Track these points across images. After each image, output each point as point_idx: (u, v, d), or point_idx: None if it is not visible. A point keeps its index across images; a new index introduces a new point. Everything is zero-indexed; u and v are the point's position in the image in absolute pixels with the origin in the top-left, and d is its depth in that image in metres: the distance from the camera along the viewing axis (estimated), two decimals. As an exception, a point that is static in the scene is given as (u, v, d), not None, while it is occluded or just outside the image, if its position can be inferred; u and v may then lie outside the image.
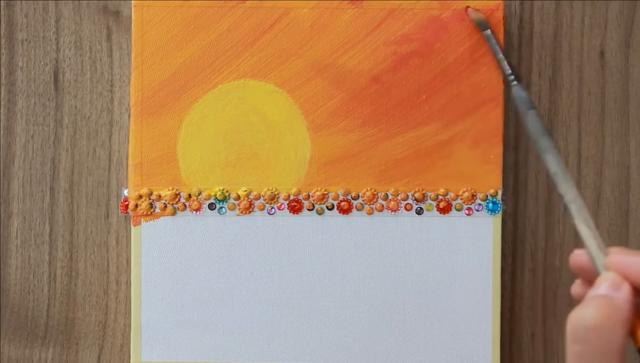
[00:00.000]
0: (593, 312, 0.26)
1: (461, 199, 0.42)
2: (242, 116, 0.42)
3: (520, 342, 0.45)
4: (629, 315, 0.26)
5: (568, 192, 0.30)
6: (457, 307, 0.42)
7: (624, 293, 0.26)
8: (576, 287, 0.31)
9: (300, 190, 0.42)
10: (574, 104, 0.45)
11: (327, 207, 0.42)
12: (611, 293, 0.26)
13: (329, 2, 0.42)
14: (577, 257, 0.29)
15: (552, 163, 0.31)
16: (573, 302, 0.45)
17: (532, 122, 0.33)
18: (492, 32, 0.40)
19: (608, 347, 0.25)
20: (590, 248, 0.28)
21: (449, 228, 0.42)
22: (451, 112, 0.42)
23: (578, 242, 0.45)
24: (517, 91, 0.36)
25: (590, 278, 0.28)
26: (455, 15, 0.42)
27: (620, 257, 0.27)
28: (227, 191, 0.42)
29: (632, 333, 0.26)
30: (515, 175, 0.45)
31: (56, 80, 0.45)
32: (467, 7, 0.42)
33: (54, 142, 0.45)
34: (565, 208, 0.30)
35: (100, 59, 0.45)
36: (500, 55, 0.39)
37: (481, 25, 0.41)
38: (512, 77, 0.37)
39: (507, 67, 0.38)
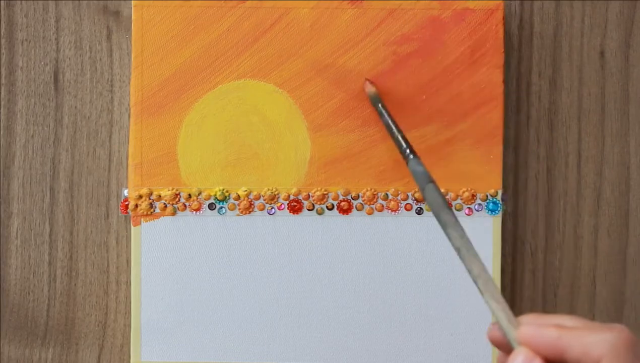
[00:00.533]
0: None
1: (461, 199, 0.42)
2: (242, 116, 0.42)
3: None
4: None
5: (474, 267, 0.29)
6: (457, 307, 0.42)
7: None
8: (500, 359, 0.30)
9: (300, 190, 0.42)
10: (574, 104, 0.45)
11: (327, 207, 0.42)
12: None
13: (329, 2, 0.42)
14: (492, 330, 0.29)
15: (455, 238, 0.30)
16: (573, 302, 0.46)
17: (431, 196, 0.32)
18: (384, 106, 0.39)
19: None
20: (501, 323, 0.28)
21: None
22: (451, 112, 0.42)
23: (578, 242, 0.45)
24: (414, 165, 0.35)
25: (508, 351, 0.28)
26: (455, 15, 0.42)
27: (531, 330, 0.27)
28: (227, 191, 0.42)
29: None
30: (515, 175, 0.45)
31: (56, 80, 0.45)
32: (366, 79, 0.41)
33: (54, 142, 0.45)
34: (474, 283, 0.29)
35: (100, 59, 0.45)
36: (394, 130, 0.38)
37: (374, 100, 0.40)
38: (408, 151, 0.36)
39: (403, 141, 0.37)
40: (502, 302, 0.28)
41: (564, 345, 0.26)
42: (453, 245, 0.30)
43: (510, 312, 0.28)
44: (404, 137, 0.37)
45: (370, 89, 0.41)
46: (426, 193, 0.33)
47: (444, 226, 0.31)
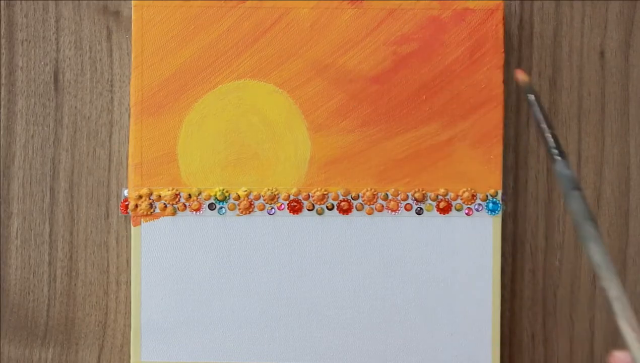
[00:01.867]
0: None
1: (461, 199, 0.42)
2: (242, 116, 0.42)
3: (520, 342, 0.45)
4: None
5: (612, 287, 0.27)
6: (457, 307, 0.42)
7: None
8: None
9: (300, 190, 0.42)
10: (574, 104, 0.45)
11: (327, 207, 0.42)
12: None
13: (329, 2, 0.42)
14: (617, 358, 0.28)
15: (597, 253, 0.28)
16: (573, 302, 0.46)
17: (575, 204, 0.30)
18: (537, 98, 0.35)
19: None
20: (635, 353, 0.26)
21: (449, 228, 0.42)
22: (451, 112, 0.42)
23: (578, 242, 0.45)
24: (561, 168, 0.31)
25: None
26: (455, 15, 0.42)
27: None
28: (227, 191, 0.42)
29: None
30: (515, 175, 0.45)
31: (56, 80, 0.45)
32: (518, 69, 0.38)
33: (54, 142, 0.45)
34: (609, 304, 0.27)
35: (100, 59, 0.45)
36: (545, 126, 0.33)
37: (526, 90, 0.36)
38: (556, 151, 0.32)
39: (552, 140, 0.33)
40: (637, 329, 0.27)
41: None
42: (592, 260, 0.28)
43: None
44: (554, 135, 0.33)
45: (522, 77, 0.36)
46: (571, 200, 0.30)
47: (584, 239, 0.29)
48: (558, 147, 0.32)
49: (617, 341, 0.45)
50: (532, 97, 0.35)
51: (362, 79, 0.42)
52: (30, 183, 0.45)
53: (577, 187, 0.30)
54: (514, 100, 0.45)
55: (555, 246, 0.45)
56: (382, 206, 0.42)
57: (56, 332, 0.45)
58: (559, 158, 0.32)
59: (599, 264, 0.28)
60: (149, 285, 0.42)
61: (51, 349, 0.45)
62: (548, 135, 0.33)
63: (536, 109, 0.34)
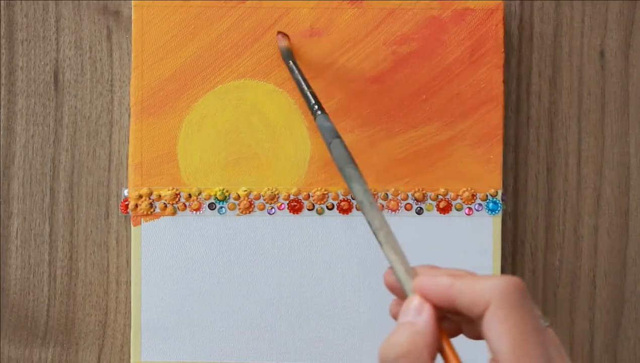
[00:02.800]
0: (399, 339, 0.26)
1: (461, 199, 0.42)
2: (242, 116, 0.42)
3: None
4: (434, 337, 0.26)
5: (374, 220, 0.30)
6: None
7: (426, 315, 0.26)
8: (392, 306, 0.31)
9: (300, 190, 0.42)
10: (574, 104, 0.45)
11: (327, 207, 0.42)
12: (414, 318, 0.27)
13: (329, 2, 0.42)
14: (389, 276, 0.30)
15: (358, 191, 0.31)
16: (573, 302, 0.46)
17: (337, 151, 0.33)
18: (294, 63, 0.39)
19: None
20: (398, 274, 0.28)
21: (449, 228, 0.42)
22: (451, 112, 0.42)
23: (578, 242, 0.45)
24: (322, 121, 0.35)
25: (403, 297, 0.28)
26: (455, 15, 0.42)
27: (424, 279, 0.27)
28: (227, 191, 0.42)
29: (442, 355, 0.26)
30: (515, 175, 0.45)
31: (56, 80, 0.45)
32: (278, 32, 0.41)
33: (54, 142, 0.45)
34: (374, 236, 0.30)
35: (100, 59, 0.45)
36: (303, 86, 0.38)
37: (285, 56, 0.40)
38: (317, 107, 0.36)
39: (311, 98, 0.37)
40: (400, 253, 0.29)
41: (455, 292, 0.26)
42: (356, 198, 0.31)
43: (408, 264, 0.29)
44: (313, 94, 0.37)
45: (282, 43, 0.41)
46: (332, 148, 0.33)
47: (348, 180, 0.31)
48: (317, 103, 0.37)
49: (617, 341, 0.45)
50: (291, 63, 0.39)
51: (362, 79, 0.42)
52: (30, 183, 0.45)
53: (337, 136, 0.34)
54: (514, 100, 0.45)
55: (555, 246, 0.45)
56: (382, 206, 0.42)
57: (56, 332, 0.45)
58: (319, 113, 0.36)
59: (362, 201, 0.30)
60: (149, 285, 0.42)
61: (51, 349, 0.45)
62: (308, 94, 0.37)
63: (295, 73, 0.39)
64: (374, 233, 0.30)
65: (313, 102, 0.37)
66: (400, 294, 0.29)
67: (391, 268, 0.29)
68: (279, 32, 0.41)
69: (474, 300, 0.26)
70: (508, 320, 0.25)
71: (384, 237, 0.29)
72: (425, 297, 0.27)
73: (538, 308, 0.28)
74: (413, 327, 0.26)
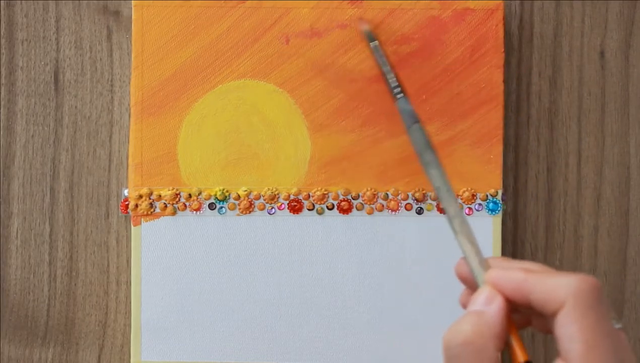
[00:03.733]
0: (465, 327, 0.26)
1: (461, 199, 0.42)
2: (242, 116, 0.42)
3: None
4: (501, 328, 0.26)
5: (450, 207, 0.30)
6: (457, 307, 0.42)
7: (496, 306, 0.26)
8: (463, 297, 0.31)
9: (300, 190, 0.42)
10: (574, 104, 0.45)
11: (327, 207, 0.42)
12: (483, 307, 0.26)
13: (329, 2, 0.42)
14: (461, 266, 0.29)
15: (436, 177, 0.31)
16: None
17: (416, 136, 0.33)
18: (380, 44, 0.39)
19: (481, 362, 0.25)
20: (472, 264, 0.28)
21: (449, 228, 0.42)
22: (451, 112, 0.42)
23: (578, 242, 0.45)
24: (403, 104, 0.35)
25: (474, 288, 0.28)
26: (455, 15, 0.42)
27: (499, 272, 0.27)
28: (227, 191, 0.42)
29: (508, 348, 0.26)
30: (515, 175, 0.45)
31: (56, 80, 0.45)
32: (360, 18, 0.41)
33: (54, 142, 0.45)
34: (449, 223, 0.30)
35: (100, 59, 0.45)
36: (387, 68, 0.38)
37: (369, 37, 0.40)
38: (398, 89, 0.36)
39: (394, 80, 0.37)
40: (475, 243, 0.29)
41: (530, 287, 0.26)
42: (433, 184, 0.31)
43: (482, 254, 0.28)
44: (395, 76, 0.37)
45: (364, 26, 0.41)
46: (412, 132, 0.33)
47: (426, 165, 0.31)
48: (400, 85, 0.36)
49: (617, 341, 0.45)
50: (375, 43, 0.39)
51: (362, 79, 0.42)
52: (30, 183, 0.45)
53: (417, 121, 0.33)
54: (514, 100, 0.45)
55: (555, 246, 0.45)
56: (382, 206, 0.42)
57: (56, 332, 0.45)
58: (401, 96, 0.36)
59: (439, 187, 0.30)
60: (149, 285, 0.42)
61: (51, 349, 0.45)
62: (391, 76, 0.37)
63: (379, 55, 0.38)
64: (449, 220, 0.30)
65: (395, 84, 0.37)
66: (472, 285, 0.29)
67: (464, 258, 0.29)
68: (360, 18, 0.41)
69: (548, 298, 0.25)
70: (582, 321, 0.24)
71: (459, 225, 0.29)
72: (499, 289, 0.27)
73: (612, 309, 0.27)
74: (481, 316, 0.26)
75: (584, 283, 0.25)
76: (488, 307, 0.26)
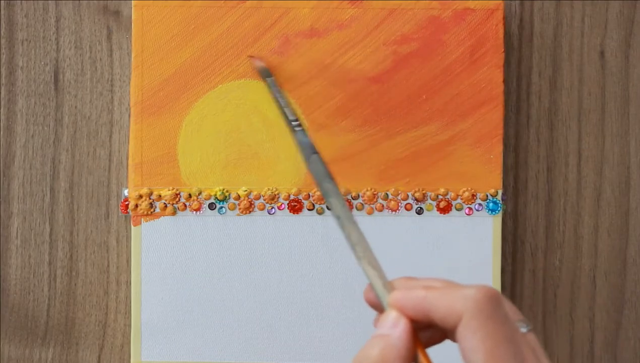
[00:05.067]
0: (371, 351, 0.26)
1: (461, 199, 0.42)
2: (242, 116, 0.42)
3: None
4: (407, 350, 0.26)
5: (352, 234, 0.30)
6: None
7: (400, 329, 0.26)
8: (375, 322, 0.31)
9: (300, 190, 0.42)
10: (574, 104, 0.45)
11: (327, 207, 0.42)
12: (389, 331, 0.27)
13: (329, 2, 0.42)
14: (368, 292, 0.30)
15: (336, 206, 0.31)
16: (573, 302, 0.46)
17: (314, 167, 0.33)
18: (274, 80, 0.40)
19: None
20: (376, 289, 0.29)
21: (449, 228, 0.42)
22: (451, 112, 0.42)
23: (578, 242, 0.45)
24: (301, 136, 0.36)
25: (383, 312, 0.29)
26: (455, 15, 0.42)
27: (400, 293, 0.27)
28: (227, 191, 0.42)
29: None
30: (515, 175, 0.45)
31: (56, 80, 0.45)
32: (250, 56, 0.42)
33: (54, 142, 0.45)
34: (352, 250, 0.30)
35: (100, 59, 0.45)
36: (284, 101, 0.38)
37: (264, 74, 0.40)
38: (296, 122, 0.37)
39: (291, 113, 0.37)
40: (378, 267, 0.29)
41: (429, 304, 0.26)
42: (334, 213, 0.31)
43: (385, 277, 0.29)
44: (291, 110, 0.38)
45: (258, 64, 0.41)
46: (310, 163, 0.34)
47: (326, 194, 0.32)
48: (296, 119, 0.37)
49: (617, 341, 0.45)
50: (270, 80, 0.40)
51: (362, 79, 0.42)
52: (30, 183, 0.45)
53: (315, 152, 0.34)
54: (514, 100, 0.45)
55: (555, 246, 0.45)
56: (382, 206, 0.42)
57: (56, 332, 0.45)
58: (299, 128, 0.36)
59: (340, 216, 0.31)
60: (149, 285, 0.42)
61: (51, 349, 0.45)
62: (287, 111, 0.37)
63: (275, 90, 0.39)
64: (352, 248, 0.30)
65: (292, 118, 0.37)
66: (380, 309, 0.29)
67: (370, 284, 0.29)
68: (250, 56, 0.42)
69: (447, 312, 0.26)
70: (481, 331, 0.25)
71: (362, 251, 0.30)
72: (402, 311, 0.27)
73: (519, 313, 0.28)
74: (386, 340, 0.26)
75: (479, 293, 0.25)
76: (393, 330, 0.27)
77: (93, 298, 0.45)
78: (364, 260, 0.30)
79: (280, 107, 0.38)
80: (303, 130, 0.36)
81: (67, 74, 0.45)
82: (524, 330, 0.27)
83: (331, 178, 0.32)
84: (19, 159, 0.45)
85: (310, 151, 0.34)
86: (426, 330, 0.28)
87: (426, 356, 0.27)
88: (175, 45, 0.42)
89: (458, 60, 0.42)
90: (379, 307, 0.29)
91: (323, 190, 0.32)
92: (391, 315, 0.27)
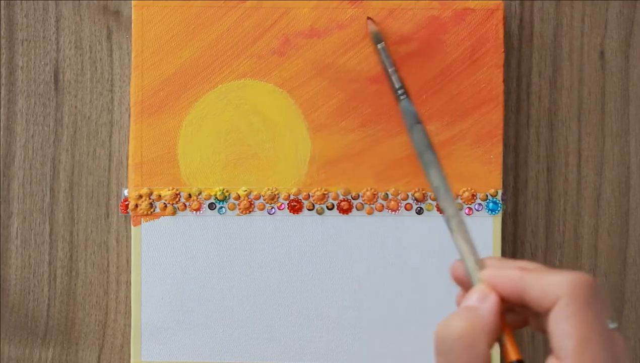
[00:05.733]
0: (458, 322, 0.26)
1: (461, 199, 0.42)
2: (242, 116, 0.42)
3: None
4: (494, 325, 0.26)
5: (449, 207, 0.30)
6: (457, 307, 0.42)
7: (490, 303, 0.26)
8: (458, 298, 0.30)
9: (300, 190, 0.42)
10: (574, 104, 0.45)
11: (327, 207, 0.42)
12: (478, 304, 0.26)
13: (329, 2, 0.42)
14: (457, 268, 0.29)
15: (436, 177, 0.31)
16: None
17: (417, 136, 0.33)
18: (386, 45, 0.40)
19: (471, 358, 0.25)
20: (467, 263, 0.28)
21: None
22: (451, 112, 0.42)
23: (578, 242, 0.45)
24: (406, 105, 0.35)
25: (469, 289, 0.28)
26: (455, 15, 0.42)
27: (492, 271, 0.27)
28: (227, 191, 0.42)
29: (501, 345, 0.26)
30: (515, 175, 0.45)
31: (56, 80, 0.45)
32: (368, 18, 0.41)
33: (54, 142, 0.45)
34: (446, 223, 0.30)
35: (100, 59, 0.45)
36: (393, 69, 0.38)
37: (376, 39, 0.40)
38: (401, 90, 0.37)
39: (398, 81, 0.37)
40: (471, 243, 0.29)
41: (524, 284, 0.26)
42: (432, 184, 0.31)
43: (477, 254, 0.28)
44: (398, 78, 0.38)
45: (372, 28, 0.41)
46: (413, 132, 0.33)
47: (426, 165, 0.32)
48: (403, 87, 0.37)
49: (617, 341, 0.45)
50: (382, 45, 0.39)
51: (362, 79, 0.42)
52: (30, 183, 0.45)
53: (419, 121, 0.34)
54: (514, 100, 0.45)
55: (555, 246, 0.45)
56: (382, 206, 0.42)
57: (56, 332, 0.45)
58: (404, 97, 0.36)
59: (438, 187, 0.31)
60: (149, 285, 0.42)
61: (51, 349, 0.45)
62: (396, 78, 0.37)
63: (385, 56, 0.39)
64: (447, 220, 0.30)
65: (398, 85, 0.37)
66: (467, 286, 0.29)
67: (459, 260, 0.29)
68: (369, 18, 0.41)
69: (542, 295, 0.25)
70: (575, 317, 0.24)
71: (457, 224, 0.29)
72: (494, 288, 0.27)
73: (610, 308, 0.27)
74: (474, 312, 0.26)
75: (579, 280, 0.25)
76: (482, 303, 0.26)
77: (93, 298, 0.45)
78: (457, 233, 0.29)
79: (388, 74, 0.38)
80: (408, 98, 0.36)
81: (67, 74, 0.45)
82: (612, 326, 0.26)
83: (432, 149, 0.32)
84: (19, 159, 0.45)
85: (413, 120, 0.34)
86: (509, 313, 0.28)
87: (511, 336, 0.26)
88: (175, 45, 0.42)
89: (458, 60, 0.42)
90: (465, 284, 0.29)
91: (424, 160, 0.32)
92: (481, 288, 0.27)
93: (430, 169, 0.31)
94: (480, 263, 0.28)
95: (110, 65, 0.45)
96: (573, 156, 0.45)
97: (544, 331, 0.26)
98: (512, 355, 0.26)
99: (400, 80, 0.37)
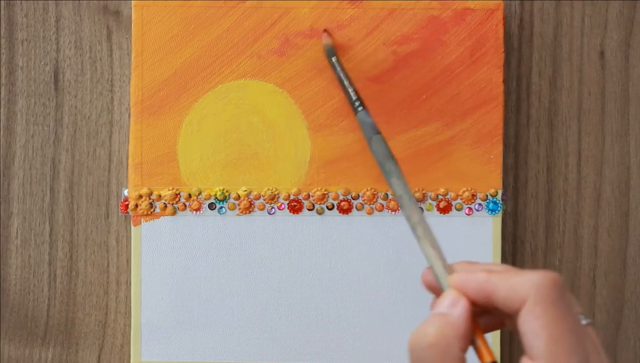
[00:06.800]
0: (429, 329, 0.26)
1: (461, 199, 0.42)
2: (242, 116, 0.42)
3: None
4: (466, 330, 0.26)
5: (413, 215, 0.30)
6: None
7: (460, 308, 0.26)
8: (432, 304, 0.30)
9: (300, 190, 0.42)
10: (574, 104, 0.45)
11: (327, 207, 0.42)
12: (448, 310, 0.26)
13: (329, 2, 0.42)
14: (427, 275, 0.29)
15: (398, 186, 0.31)
16: (573, 302, 0.45)
17: (377, 147, 0.33)
18: (338, 59, 0.40)
19: None
20: (436, 269, 0.28)
21: (449, 228, 0.42)
22: (451, 112, 0.42)
23: (578, 242, 0.45)
24: (363, 117, 0.36)
25: (440, 295, 0.28)
26: (455, 15, 0.42)
27: (460, 276, 0.27)
28: (227, 191, 0.42)
29: (475, 349, 0.26)
30: (515, 175, 0.45)
31: (56, 80, 0.45)
32: (324, 30, 0.42)
33: (54, 142, 0.45)
34: (412, 231, 0.30)
35: (100, 59, 0.45)
36: (347, 82, 0.38)
37: (329, 52, 0.40)
38: (358, 102, 0.37)
39: (354, 93, 0.38)
40: (438, 249, 0.29)
41: (492, 287, 0.26)
42: (395, 193, 0.31)
43: (445, 260, 0.28)
44: (354, 90, 0.38)
45: (325, 40, 0.41)
46: (372, 143, 0.34)
47: (388, 174, 0.32)
48: (359, 99, 0.37)
49: (617, 341, 0.45)
50: (334, 59, 0.40)
51: (362, 79, 0.42)
52: (30, 183, 0.45)
53: (377, 132, 0.34)
54: (514, 100, 0.45)
55: (555, 246, 0.45)
56: (382, 206, 0.42)
57: (56, 332, 0.45)
58: (361, 109, 0.36)
59: (401, 195, 0.31)
60: (149, 285, 0.42)
61: (51, 349, 0.45)
62: (351, 90, 0.38)
63: (338, 69, 0.39)
64: (412, 228, 0.30)
65: (354, 98, 0.37)
66: (438, 292, 0.29)
67: (429, 267, 0.29)
68: (325, 30, 0.42)
69: (510, 295, 0.25)
70: (545, 316, 0.24)
71: (423, 232, 0.29)
72: (463, 292, 0.27)
73: (579, 305, 0.27)
74: (445, 318, 0.26)
75: (545, 279, 0.25)
76: (452, 309, 0.26)
77: (93, 298, 0.45)
78: (424, 240, 0.29)
79: (344, 87, 0.38)
80: (365, 110, 0.36)
81: (67, 74, 0.45)
82: (584, 322, 0.26)
83: (393, 158, 0.32)
84: (19, 159, 0.45)
85: (372, 131, 0.34)
86: (482, 317, 0.28)
87: (483, 339, 0.26)
88: (175, 45, 0.42)
89: (458, 60, 0.42)
90: (436, 290, 0.29)
91: (385, 169, 0.32)
92: (451, 294, 0.27)
93: (391, 178, 0.32)
94: (449, 269, 0.28)
95: (110, 65, 0.45)
96: (573, 156, 0.45)
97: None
98: (486, 357, 0.26)
99: (356, 92, 0.38)
